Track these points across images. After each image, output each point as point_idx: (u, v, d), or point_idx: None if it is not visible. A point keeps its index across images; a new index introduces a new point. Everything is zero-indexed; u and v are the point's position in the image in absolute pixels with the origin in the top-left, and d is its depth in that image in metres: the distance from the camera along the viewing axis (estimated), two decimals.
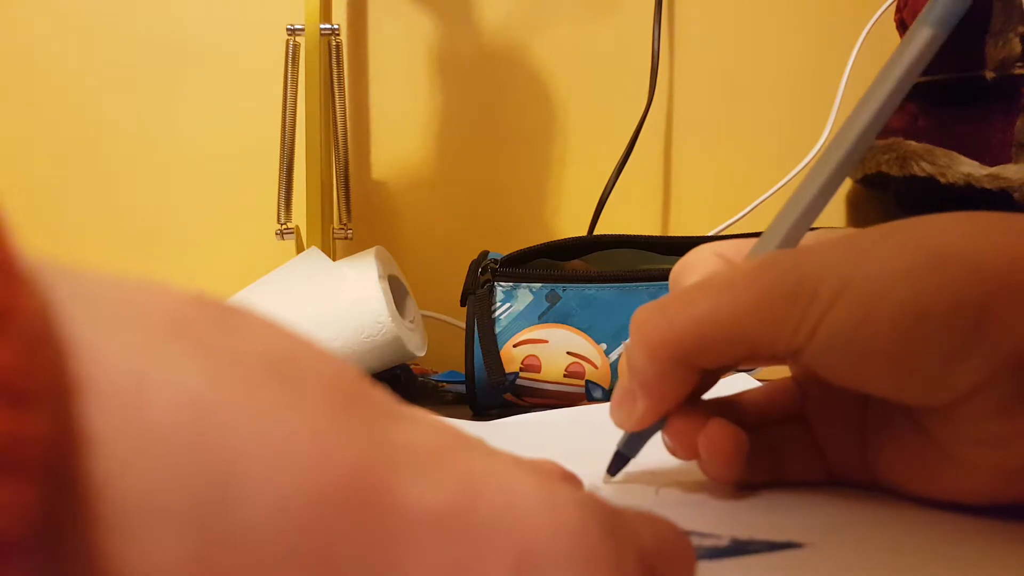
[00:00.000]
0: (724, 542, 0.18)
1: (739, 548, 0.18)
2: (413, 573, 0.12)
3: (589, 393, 0.51)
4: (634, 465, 0.29)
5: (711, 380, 0.25)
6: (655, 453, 0.31)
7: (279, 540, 0.11)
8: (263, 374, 0.12)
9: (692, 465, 0.28)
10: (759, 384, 0.45)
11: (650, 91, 0.79)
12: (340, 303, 0.55)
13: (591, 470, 0.26)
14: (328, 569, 0.12)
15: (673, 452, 0.25)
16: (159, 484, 0.11)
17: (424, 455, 0.13)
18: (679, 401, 0.23)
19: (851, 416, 0.25)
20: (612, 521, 0.14)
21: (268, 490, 0.11)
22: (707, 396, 0.25)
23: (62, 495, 0.10)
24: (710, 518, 0.21)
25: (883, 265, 0.20)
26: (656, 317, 0.22)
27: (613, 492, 0.25)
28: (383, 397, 0.14)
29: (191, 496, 0.11)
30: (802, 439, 0.25)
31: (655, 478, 0.26)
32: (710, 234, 0.67)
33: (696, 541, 0.19)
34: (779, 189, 0.71)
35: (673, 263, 0.54)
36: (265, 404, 0.12)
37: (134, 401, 0.11)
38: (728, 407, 0.26)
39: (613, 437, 0.35)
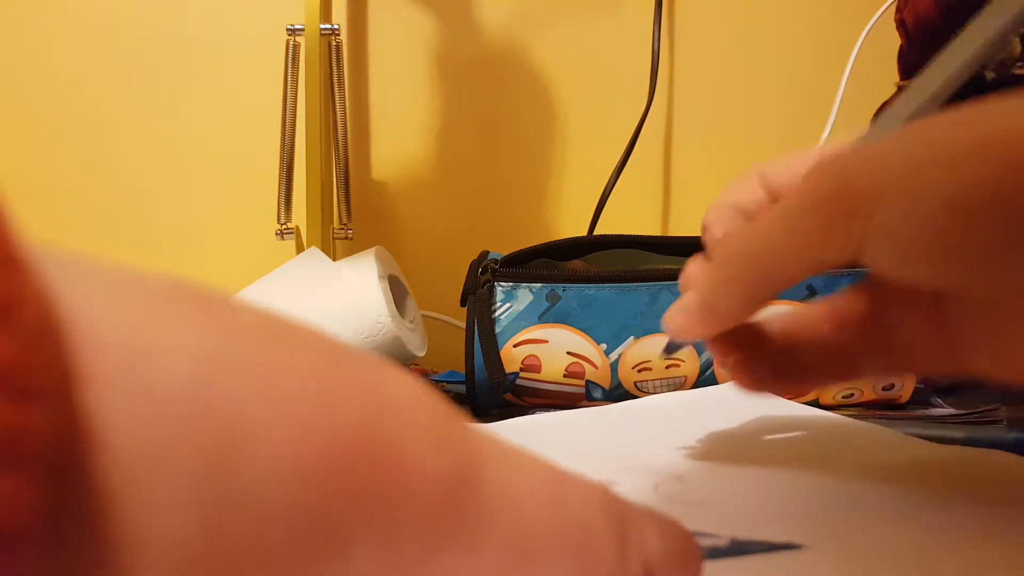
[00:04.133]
0: (724, 542, 0.18)
1: (738, 548, 0.18)
2: (413, 534, 0.12)
3: (589, 393, 0.51)
4: (636, 459, 0.29)
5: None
6: (657, 447, 0.31)
7: (287, 496, 0.11)
8: (262, 335, 0.12)
9: (693, 460, 0.28)
10: None
11: (650, 91, 0.79)
12: (340, 303, 0.55)
13: (593, 469, 0.26)
14: (333, 526, 0.12)
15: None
16: (167, 451, 0.11)
17: (428, 417, 0.13)
18: (734, 325, 0.25)
19: (929, 306, 0.24)
20: (618, 519, 0.14)
21: (276, 443, 0.11)
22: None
23: (67, 480, 0.10)
24: (710, 518, 0.21)
25: (923, 158, 0.20)
26: (726, 254, 0.23)
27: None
28: (380, 361, 0.14)
29: (199, 460, 0.11)
30: (873, 335, 0.25)
31: (654, 473, 0.26)
32: None
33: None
34: None
35: (673, 263, 0.54)
36: (268, 360, 0.12)
37: (138, 368, 0.11)
38: (792, 319, 0.27)
39: (613, 438, 0.35)
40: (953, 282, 0.21)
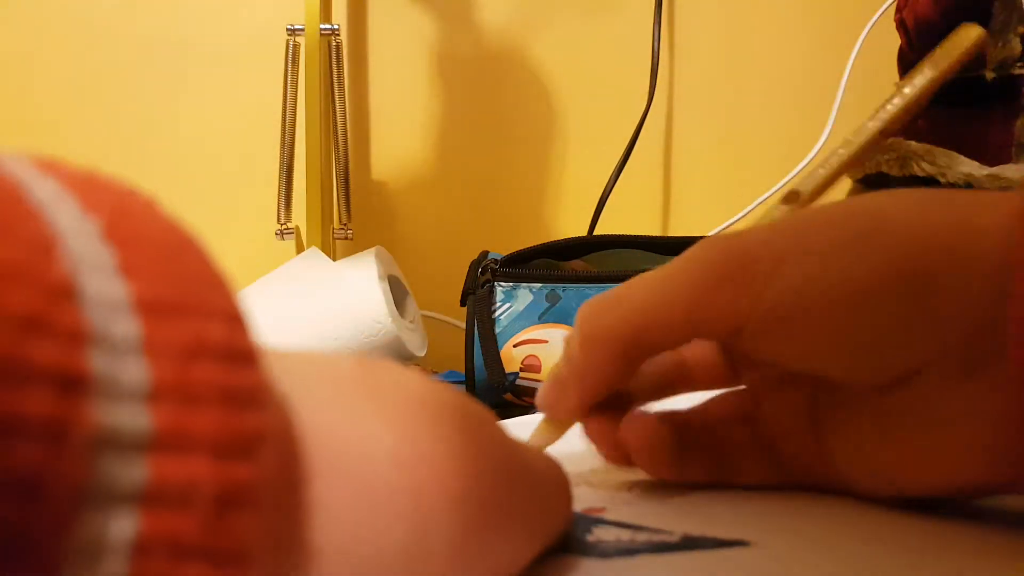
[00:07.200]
0: (675, 538, 0.19)
1: (689, 544, 0.18)
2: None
3: None
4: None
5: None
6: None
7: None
8: (440, 420, 0.15)
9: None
10: None
11: (650, 91, 0.79)
12: (340, 303, 0.55)
13: (583, 467, 0.27)
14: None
15: (601, 454, 0.24)
16: (370, 532, 0.13)
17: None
18: (608, 392, 0.23)
19: (802, 413, 0.23)
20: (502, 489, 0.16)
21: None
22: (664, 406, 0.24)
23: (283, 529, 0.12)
24: (668, 514, 0.21)
25: (819, 238, 0.20)
26: (595, 309, 0.22)
27: (587, 490, 0.25)
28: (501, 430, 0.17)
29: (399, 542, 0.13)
30: (755, 441, 0.24)
31: (635, 471, 0.27)
32: (710, 234, 0.67)
33: (646, 536, 0.19)
34: (779, 189, 0.71)
35: None
36: (451, 447, 0.14)
37: (353, 468, 0.13)
38: (672, 413, 0.25)
39: None
40: (838, 366, 0.20)
